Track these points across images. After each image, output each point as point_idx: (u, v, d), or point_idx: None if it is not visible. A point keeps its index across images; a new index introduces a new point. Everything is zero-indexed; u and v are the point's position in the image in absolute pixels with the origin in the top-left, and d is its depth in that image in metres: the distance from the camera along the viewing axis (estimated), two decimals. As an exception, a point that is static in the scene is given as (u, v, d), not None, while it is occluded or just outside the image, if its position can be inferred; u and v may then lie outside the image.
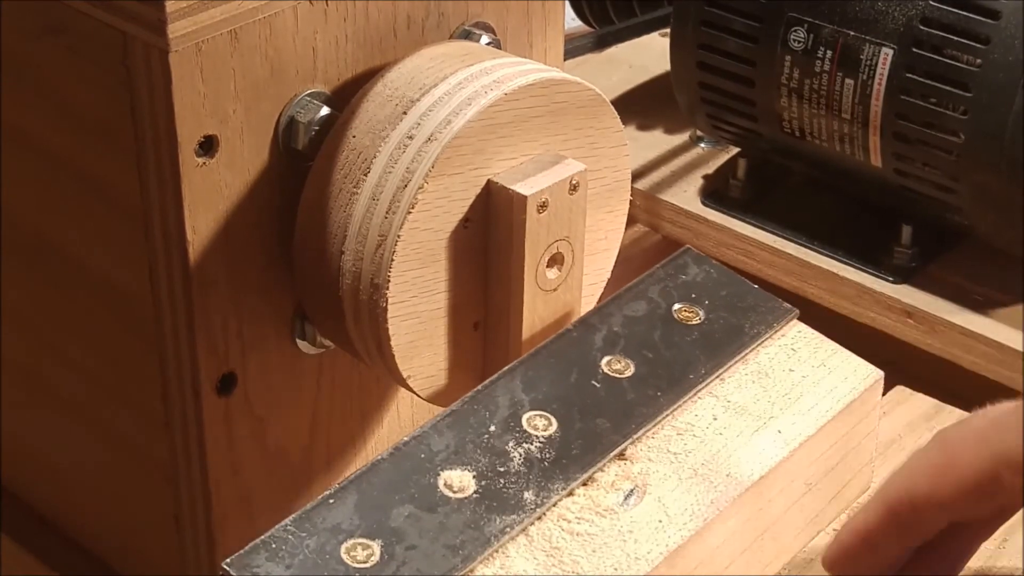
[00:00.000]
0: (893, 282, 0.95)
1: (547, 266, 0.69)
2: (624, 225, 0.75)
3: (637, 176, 1.04)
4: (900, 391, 0.84)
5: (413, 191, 0.66)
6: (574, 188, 0.69)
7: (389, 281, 0.66)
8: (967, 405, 0.97)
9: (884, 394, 0.84)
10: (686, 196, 1.03)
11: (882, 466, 0.75)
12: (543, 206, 0.68)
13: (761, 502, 0.62)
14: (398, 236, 0.66)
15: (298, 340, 0.73)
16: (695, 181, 1.04)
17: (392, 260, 0.66)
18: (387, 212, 0.66)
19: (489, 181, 0.68)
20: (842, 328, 1.00)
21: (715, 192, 1.03)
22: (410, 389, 0.70)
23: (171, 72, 0.63)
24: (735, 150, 1.05)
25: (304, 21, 0.67)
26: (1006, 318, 0.92)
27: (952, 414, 0.82)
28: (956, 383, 0.97)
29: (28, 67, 0.70)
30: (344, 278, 0.68)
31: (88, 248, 0.72)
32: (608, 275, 0.76)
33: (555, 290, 0.70)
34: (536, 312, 0.70)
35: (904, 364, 1.01)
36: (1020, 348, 0.90)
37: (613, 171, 0.73)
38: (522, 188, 0.67)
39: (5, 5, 0.70)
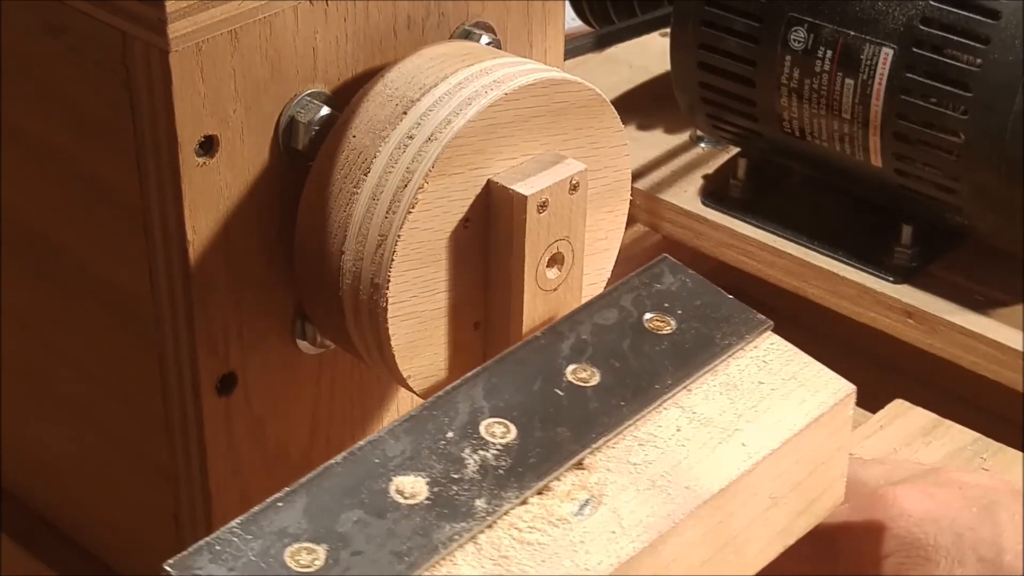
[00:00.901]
0: (893, 282, 0.95)
1: (547, 266, 0.69)
2: (624, 225, 0.75)
3: (637, 176, 1.04)
4: (899, 404, 0.84)
5: (413, 191, 0.66)
6: (574, 188, 0.69)
7: (389, 281, 0.66)
8: (967, 405, 0.97)
9: (883, 405, 0.84)
10: (686, 196, 1.03)
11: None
12: (543, 206, 0.68)
13: (721, 515, 0.61)
14: (398, 236, 0.66)
15: (298, 340, 0.73)
16: (695, 181, 1.05)
17: (392, 260, 0.66)
18: (387, 212, 0.66)
19: (489, 181, 0.68)
20: (843, 328, 1.01)
21: (715, 192, 1.03)
22: (410, 389, 0.70)
23: (171, 72, 0.63)
24: (735, 150, 1.05)
25: (304, 21, 0.67)
26: (1006, 318, 0.92)
27: (950, 429, 0.82)
28: (956, 383, 0.97)
29: (28, 67, 0.70)
30: (344, 278, 0.68)
31: (88, 248, 0.72)
32: (608, 275, 0.76)
33: (555, 290, 0.70)
34: (536, 312, 0.70)
35: (904, 364, 1.01)
36: (1020, 348, 0.90)
37: (613, 171, 0.73)
38: (522, 188, 0.67)
39: (5, 5, 0.70)
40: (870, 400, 0.86)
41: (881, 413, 0.84)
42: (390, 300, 0.66)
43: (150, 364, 0.71)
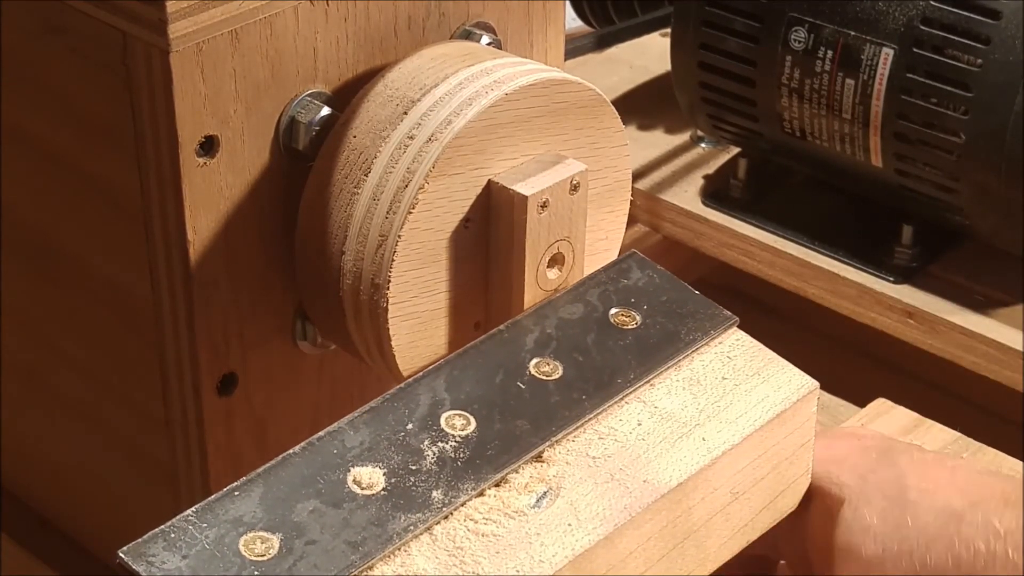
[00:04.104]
0: (894, 282, 0.95)
1: (548, 266, 0.69)
2: (625, 225, 0.75)
3: (638, 176, 1.03)
4: (881, 403, 0.84)
5: (414, 191, 0.66)
6: (575, 188, 0.69)
7: (390, 281, 0.66)
8: (967, 405, 0.97)
9: (866, 404, 0.84)
10: (687, 196, 1.03)
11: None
12: (544, 206, 0.68)
13: (680, 509, 0.62)
14: (399, 236, 0.66)
15: (299, 340, 0.73)
16: (696, 181, 1.04)
17: (393, 260, 0.66)
18: (388, 212, 0.66)
19: (490, 181, 0.68)
20: (843, 328, 1.01)
21: (716, 192, 1.03)
22: (411, 389, 0.70)
23: (172, 72, 0.63)
24: (735, 150, 1.05)
25: (305, 21, 0.67)
26: (1006, 318, 0.92)
27: (931, 429, 0.82)
28: (956, 383, 0.97)
29: (28, 67, 0.70)
30: (345, 278, 0.68)
31: (89, 248, 0.72)
32: (609, 275, 0.76)
33: (556, 290, 0.70)
34: (537, 312, 0.70)
35: (904, 364, 1.01)
36: (1020, 348, 0.90)
37: (614, 171, 0.73)
38: (523, 188, 0.67)
39: (5, 5, 0.70)
40: (869, 399, 0.86)
41: (862, 412, 0.84)
42: (390, 300, 0.66)
43: (151, 364, 0.71)
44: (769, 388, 0.66)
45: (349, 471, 0.59)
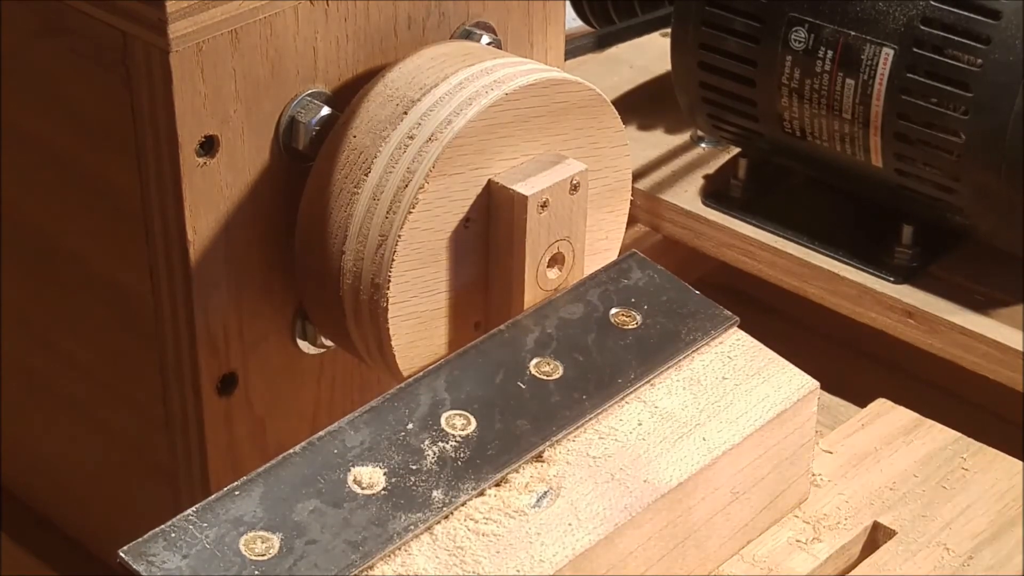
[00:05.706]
0: (894, 282, 0.95)
1: (548, 266, 0.69)
2: (625, 225, 0.75)
3: (638, 176, 1.03)
4: (881, 403, 0.84)
5: (414, 191, 0.66)
6: (575, 188, 0.69)
7: (390, 281, 0.66)
8: (967, 405, 0.97)
9: (866, 404, 0.84)
10: (687, 196, 1.03)
11: (854, 478, 0.74)
12: (544, 206, 0.68)
13: (680, 509, 0.62)
14: (399, 236, 0.66)
15: (299, 340, 0.73)
16: (696, 181, 1.04)
17: (393, 260, 0.66)
18: (388, 212, 0.66)
19: (490, 181, 0.68)
20: (843, 328, 1.01)
21: (716, 192, 1.03)
22: (411, 389, 0.70)
23: (171, 72, 0.63)
24: (736, 150, 1.05)
25: (305, 21, 0.67)
26: (1006, 318, 0.92)
27: (931, 429, 0.81)
28: (956, 383, 0.97)
29: (29, 67, 0.70)
30: (345, 278, 0.68)
31: (89, 248, 0.72)
32: (609, 275, 0.76)
33: (556, 290, 0.70)
34: (537, 312, 0.70)
35: (904, 364, 1.01)
36: (1020, 348, 0.90)
37: (614, 171, 0.73)
38: (523, 188, 0.67)
39: (5, 5, 0.70)
40: (870, 400, 0.86)
41: (863, 412, 0.84)
42: (390, 300, 0.66)
43: (151, 364, 0.71)
44: (769, 388, 0.66)
45: (349, 471, 0.59)
